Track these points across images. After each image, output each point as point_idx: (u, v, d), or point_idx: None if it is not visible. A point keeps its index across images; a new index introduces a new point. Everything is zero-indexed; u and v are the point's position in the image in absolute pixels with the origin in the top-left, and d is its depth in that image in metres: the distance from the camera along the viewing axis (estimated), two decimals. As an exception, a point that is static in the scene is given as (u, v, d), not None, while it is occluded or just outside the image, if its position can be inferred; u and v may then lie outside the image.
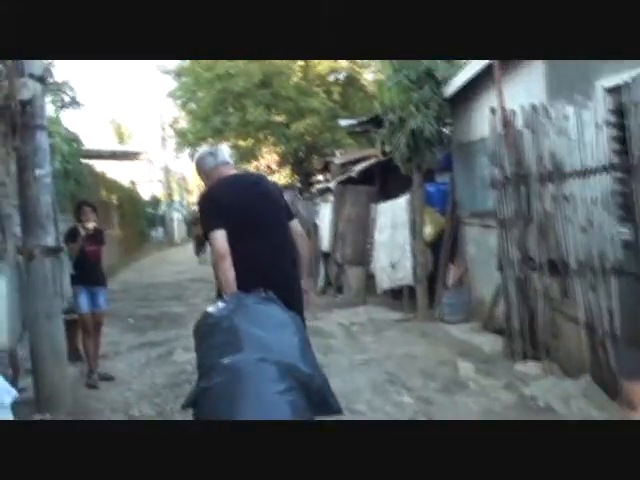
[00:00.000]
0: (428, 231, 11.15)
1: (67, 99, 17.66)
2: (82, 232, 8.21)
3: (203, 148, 5.61)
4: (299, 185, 23.01)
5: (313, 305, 5.78)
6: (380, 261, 12.49)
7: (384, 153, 14.06)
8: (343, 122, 17.00)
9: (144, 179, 47.32)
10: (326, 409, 3.72)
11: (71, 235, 8.26)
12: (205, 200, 4.84)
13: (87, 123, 59.06)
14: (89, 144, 30.36)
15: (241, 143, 24.61)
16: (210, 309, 4.01)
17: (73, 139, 16.58)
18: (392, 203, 12.25)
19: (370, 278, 13.44)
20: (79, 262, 8.13)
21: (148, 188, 46.86)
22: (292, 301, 4.46)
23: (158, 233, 44.41)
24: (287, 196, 16.90)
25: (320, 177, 23.69)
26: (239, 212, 4.62)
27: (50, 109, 15.57)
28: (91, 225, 8.32)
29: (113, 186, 26.87)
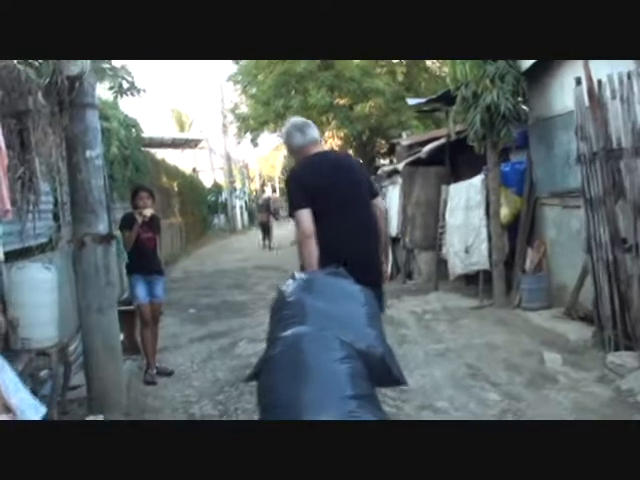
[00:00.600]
0: (504, 212, 10.54)
1: (125, 84, 17.19)
2: (138, 219, 7.82)
3: (291, 121, 5.36)
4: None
5: (386, 280, 5.88)
6: (453, 245, 11.88)
7: (454, 132, 13.57)
8: (411, 101, 16.37)
9: (206, 167, 47.15)
10: (389, 380, 3.77)
11: (127, 222, 7.93)
12: (291, 179, 4.95)
13: (148, 111, 59.04)
14: (150, 132, 30.71)
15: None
16: (282, 286, 4.08)
17: (133, 124, 16.24)
18: (465, 184, 11.64)
19: (441, 263, 12.86)
20: (135, 250, 7.81)
21: (210, 176, 46.91)
22: (372, 276, 4.63)
23: (220, 220, 44.38)
24: None
25: (385, 161, 23.16)
26: (324, 190, 4.72)
27: (108, 94, 15.34)
28: (148, 212, 7.91)
29: (174, 173, 26.65)
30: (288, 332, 3.54)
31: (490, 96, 9.52)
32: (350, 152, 25.23)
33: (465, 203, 11.43)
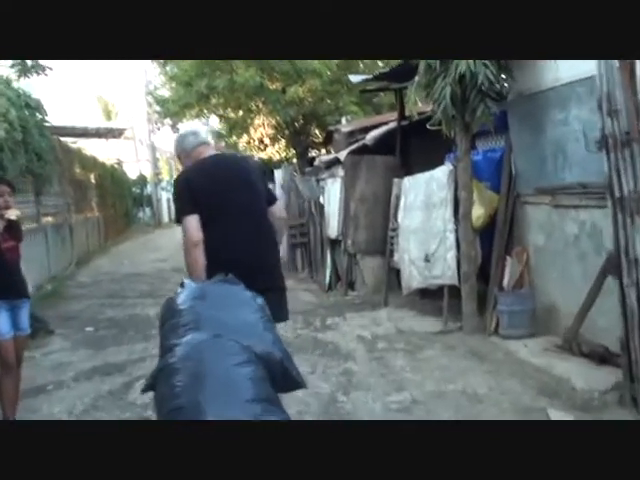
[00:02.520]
0: (478, 213, 8.35)
1: (29, 62, 14.75)
2: None
3: (184, 127, 5.46)
4: (295, 160, 20.15)
5: None
6: (408, 252, 9.61)
7: (403, 116, 11.47)
8: (354, 78, 14.02)
9: (132, 158, 44.90)
10: (290, 384, 3.60)
11: None
12: (179, 183, 4.84)
13: (73, 99, 56.13)
14: (75, 121, 28.71)
15: (231, 115, 21.78)
16: (171, 296, 3.88)
17: (34, 106, 13.81)
18: (425, 177, 9.38)
19: (392, 272, 10.65)
20: None
21: (136, 167, 44.93)
22: (268, 282, 4.52)
23: (145, 214, 42.94)
24: (282, 173, 14.06)
25: (322, 150, 20.97)
26: (213, 195, 4.65)
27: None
28: (13, 213, 5.93)
29: (91, 163, 24.37)
30: (184, 339, 3.41)
31: (464, 62, 7.32)
32: (282, 142, 23.13)
33: (425, 200, 9.20)
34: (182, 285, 4.01)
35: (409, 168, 11.10)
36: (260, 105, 20.35)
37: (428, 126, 8.98)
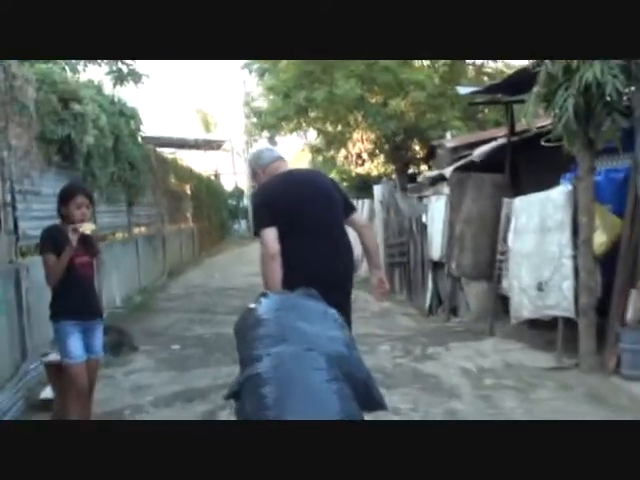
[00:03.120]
0: (600, 240, 7.54)
1: (125, 69, 14.54)
2: (72, 238, 5.27)
3: (256, 148, 5.77)
4: (394, 176, 19.43)
5: (387, 294, 5.68)
6: (519, 279, 8.85)
7: (513, 132, 10.73)
8: (462, 89, 13.27)
9: (229, 170, 45.98)
10: (372, 404, 3.61)
11: (53, 241, 5.37)
12: (257, 197, 4.97)
13: (174, 112, 56.97)
14: (175, 132, 28.90)
15: (329, 129, 21.26)
16: (252, 305, 3.86)
17: (128, 115, 13.58)
18: (539, 197, 8.59)
19: (499, 299, 9.88)
20: (66, 284, 5.33)
21: (233, 180, 45.86)
22: (341, 301, 4.54)
23: (241, 226, 43.21)
24: (382, 188, 13.42)
25: (422, 167, 20.25)
26: (291, 210, 4.66)
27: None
28: (88, 227, 5.42)
29: (187, 174, 24.28)
30: (274, 349, 3.40)
31: (591, 71, 6.57)
32: (380, 157, 22.52)
33: (539, 223, 8.42)
34: (263, 295, 3.98)
35: (519, 188, 10.31)
36: (359, 119, 19.80)
37: (543, 142, 8.26)
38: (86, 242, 5.45)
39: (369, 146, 22.74)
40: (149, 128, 26.66)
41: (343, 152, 23.39)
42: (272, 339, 3.52)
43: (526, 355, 8.46)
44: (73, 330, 5.35)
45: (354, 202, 18.29)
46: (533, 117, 7.86)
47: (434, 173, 11.50)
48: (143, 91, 30.77)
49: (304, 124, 20.69)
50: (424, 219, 11.99)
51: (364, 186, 20.21)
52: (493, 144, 11.01)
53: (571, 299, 7.75)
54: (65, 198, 5.43)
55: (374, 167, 23.85)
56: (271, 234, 4.57)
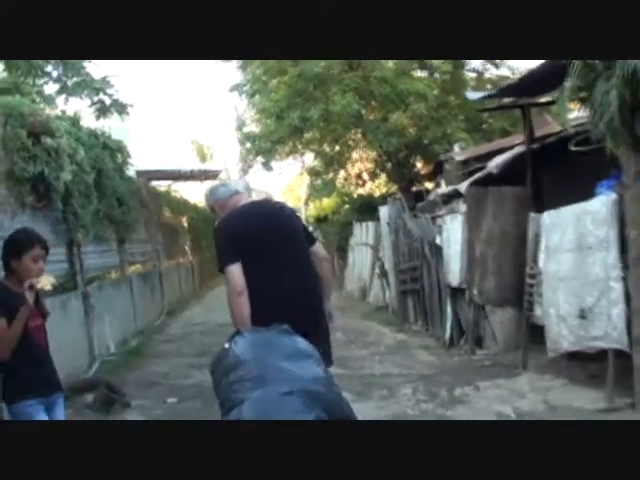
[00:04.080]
0: (656, 258, 6.44)
1: (108, 100, 13.60)
2: (29, 295, 4.36)
3: (211, 185, 5.51)
4: (399, 195, 18.27)
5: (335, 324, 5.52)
6: (556, 305, 7.64)
7: (533, 138, 9.70)
8: (472, 95, 12.19)
9: None
10: None
11: (1, 302, 4.38)
12: (219, 232, 4.79)
13: (168, 144, 56.11)
14: (167, 165, 27.92)
15: (327, 150, 20.16)
16: (227, 344, 3.85)
17: (114, 148, 12.56)
18: (574, 210, 7.41)
19: (529, 327, 8.71)
20: (21, 354, 4.38)
21: None
22: (314, 331, 4.43)
23: None
24: (389, 209, 12.21)
25: (427, 184, 19.18)
26: (254, 242, 4.60)
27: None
28: (48, 281, 4.56)
29: (182, 206, 23.24)
30: (253, 394, 3.39)
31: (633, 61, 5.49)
32: (381, 177, 21.46)
33: (576, 241, 7.27)
34: (238, 333, 3.97)
35: (542, 201, 9.30)
36: (358, 136, 18.74)
37: (572, 147, 7.19)
38: (38, 301, 4.47)
39: (369, 165, 21.72)
40: (142, 161, 25.87)
41: (342, 173, 22.36)
42: (251, 382, 3.48)
43: (569, 393, 7.31)
44: (37, 410, 4.42)
45: (358, 225, 17.36)
46: (565, 114, 6.81)
47: (447, 189, 10.37)
48: (134, 124, 30.08)
49: (300, 146, 19.56)
50: (438, 241, 10.86)
51: (367, 207, 19.13)
52: (510, 153, 9.93)
53: (622, 328, 6.58)
54: (19, 249, 4.44)
55: (376, 187, 22.81)
56: (236, 270, 4.49)
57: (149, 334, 14.11)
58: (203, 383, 9.17)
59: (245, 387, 3.48)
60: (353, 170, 22.44)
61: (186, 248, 23.93)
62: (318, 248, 5.15)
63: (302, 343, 3.91)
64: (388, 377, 8.86)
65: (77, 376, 9.44)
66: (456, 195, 10.08)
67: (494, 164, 9.83)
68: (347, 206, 20.97)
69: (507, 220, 9.47)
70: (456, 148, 14.47)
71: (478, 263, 9.54)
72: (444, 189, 10.49)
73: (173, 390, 9.06)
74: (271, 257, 4.63)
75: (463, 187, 9.66)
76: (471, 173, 11.13)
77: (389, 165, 19.78)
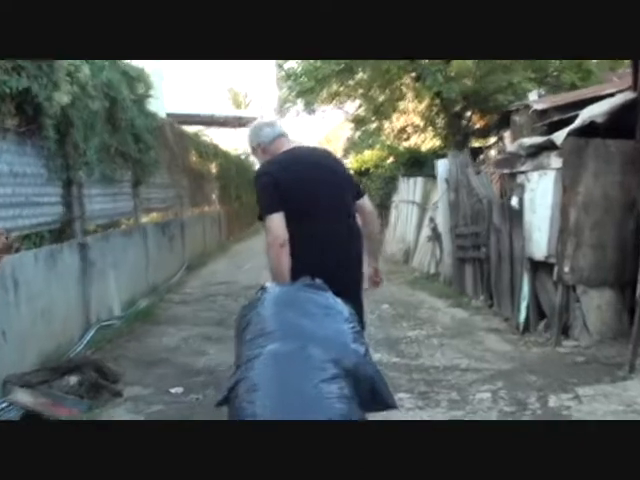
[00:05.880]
0: None
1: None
2: None
3: (256, 121, 5.25)
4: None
5: (379, 285, 5.22)
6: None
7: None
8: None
9: None
10: (377, 402, 3.37)
11: None
12: (261, 178, 4.50)
13: (205, 90, 54.39)
14: (201, 110, 28.62)
15: (376, 95, 18.25)
16: (251, 300, 3.84)
17: (134, 76, 10.89)
18: None
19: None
20: None
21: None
22: (350, 287, 4.43)
23: None
24: (449, 163, 10.15)
25: (489, 140, 17.25)
26: (298, 190, 4.41)
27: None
28: None
29: (212, 151, 21.48)
30: (266, 348, 3.25)
31: None
32: (430, 131, 19.58)
33: None
34: (263, 288, 3.84)
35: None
36: (408, 82, 16.81)
37: None
38: None
39: (415, 118, 19.83)
40: (175, 105, 24.38)
41: (388, 125, 20.49)
42: (267, 337, 3.35)
43: None
44: None
45: (404, 180, 15.47)
46: None
47: (536, 139, 8.37)
48: (169, 67, 28.73)
49: (347, 89, 17.60)
50: (514, 202, 8.92)
51: (415, 162, 17.20)
52: (615, 100, 7.96)
53: None
54: None
55: (421, 142, 20.89)
56: (278, 220, 4.29)
57: (163, 293, 12.35)
58: (218, 367, 7.48)
59: (258, 343, 3.34)
60: (397, 122, 20.58)
61: (213, 197, 22.30)
62: (365, 202, 4.94)
63: (330, 299, 3.76)
64: (454, 371, 7.04)
65: (67, 347, 7.82)
66: (547, 147, 8.10)
67: (594, 112, 7.86)
68: (391, 159, 19.01)
69: (612, 181, 7.55)
70: (532, 96, 12.48)
71: (572, 233, 7.60)
72: (532, 139, 8.49)
73: (180, 374, 7.33)
74: (315, 209, 4.43)
75: (560, 137, 7.67)
76: (551, 126, 9.18)
77: (442, 117, 17.87)
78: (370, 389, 3.28)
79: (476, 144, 17.47)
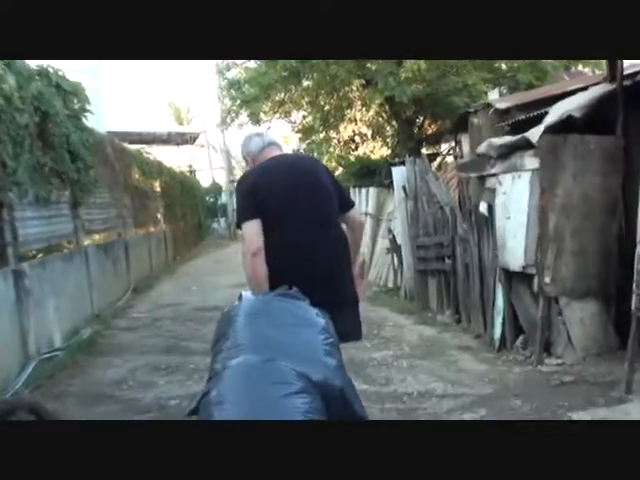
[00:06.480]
0: None
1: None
2: None
3: (247, 132, 5.22)
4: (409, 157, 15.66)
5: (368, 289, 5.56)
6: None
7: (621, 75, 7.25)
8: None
9: (205, 166, 43.08)
10: (349, 416, 3.27)
11: None
12: (241, 186, 4.54)
13: (145, 106, 53.60)
14: (145, 127, 28.02)
15: (323, 103, 17.58)
16: (227, 309, 3.76)
17: (69, 91, 10.02)
18: None
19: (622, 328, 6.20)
20: None
21: (210, 176, 43.28)
22: (335, 296, 4.23)
23: (220, 225, 40.43)
24: (405, 172, 11.36)
25: (439, 146, 16.68)
26: (278, 198, 4.33)
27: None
28: None
29: (156, 169, 20.62)
30: (233, 361, 3.18)
31: None
32: (378, 140, 19.01)
33: None
34: (240, 298, 3.80)
35: (632, 155, 6.85)
36: (361, 89, 16.17)
37: None
38: None
39: (364, 127, 19.27)
40: (115, 123, 23.56)
41: (333, 135, 19.89)
42: (237, 349, 3.29)
43: None
44: None
45: (355, 192, 14.76)
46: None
47: (509, 139, 7.66)
48: (107, 85, 27.98)
49: (295, 95, 16.86)
50: (482, 209, 8.23)
51: (367, 171, 16.54)
52: (591, 93, 7.33)
53: None
54: None
55: (370, 151, 20.32)
56: (253, 227, 4.22)
57: (107, 319, 11.44)
58: (168, 402, 6.70)
59: (227, 355, 3.26)
60: (345, 132, 19.99)
61: (158, 216, 21.34)
62: (353, 212, 4.83)
63: (305, 308, 3.65)
64: (430, 398, 6.29)
65: (2, 385, 7.01)
66: (520, 147, 7.42)
67: (568, 106, 7.21)
68: (340, 170, 18.39)
69: (592, 181, 6.90)
70: (492, 95, 11.89)
71: (552, 240, 6.90)
72: (503, 138, 7.79)
73: (127, 411, 6.51)
74: (295, 216, 4.32)
75: (535, 134, 6.98)
76: (515, 126, 8.56)
77: (393, 124, 17.26)
78: (342, 402, 3.22)
79: (428, 151, 16.93)
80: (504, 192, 7.71)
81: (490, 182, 8.18)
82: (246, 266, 4.27)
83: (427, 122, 17.66)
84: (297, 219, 4.32)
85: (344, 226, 4.78)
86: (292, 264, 4.21)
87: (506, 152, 7.68)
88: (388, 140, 19.24)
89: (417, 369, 7.34)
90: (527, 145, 7.20)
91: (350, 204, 4.81)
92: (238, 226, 4.38)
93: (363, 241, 5.18)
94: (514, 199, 7.49)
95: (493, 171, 8.02)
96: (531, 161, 7.15)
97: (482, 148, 8.14)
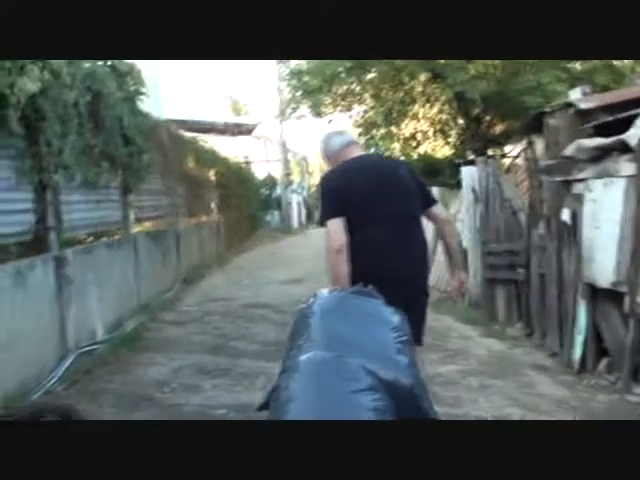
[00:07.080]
0: None
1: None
2: None
3: (328, 131, 5.22)
4: (473, 157, 14.99)
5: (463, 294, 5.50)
6: None
7: None
8: None
9: (260, 158, 42.46)
10: (419, 416, 3.25)
11: None
12: (325, 183, 4.69)
13: (203, 98, 53.81)
14: (202, 117, 28.12)
15: (387, 96, 17.00)
16: (301, 306, 3.79)
17: (124, 71, 9.67)
18: None
19: None
20: None
21: (265, 168, 42.61)
22: (411, 295, 4.37)
23: (274, 218, 39.78)
24: (476, 173, 10.74)
25: (506, 149, 16.00)
26: (360, 197, 4.44)
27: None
28: None
29: (211, 158, 20.25)
30: (304, 357, 3.22)
31: None
32: (439, 138, 18.40)
33: None
34: (315, 295, 3.80)
35: None
36: (427, 84, 15.55)
37: None
38: None
39: (426, 124, 18.63)
40: (173, 111, 23.36)
41: (395, 131, 19.28)
42: (308, 345, 3.32)
43: None
44: None
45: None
46: None
47: (601, 141, 6.96)
48: (167, 74, 27.85)
49: (358, 87, 16.29)
50: (565, 216, 7.56)
51: (430, 171, 15.93)
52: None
53: None
54: None
55: (431, 149, 19.67)
56: (337, 225, 4.34)
57: (154, 311, 11.02)
58: (214, 411, 6.29)
59: (298, 351, 3.29)
60: (406, 129, 19.37)
61: (212, 206, 21.03)
62: (438, 209, 4.87)
63: (379, 306, 3.63)
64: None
65: (37, 381, 6.63)
66: (611, 150, 6.73)
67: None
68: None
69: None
70: (573, 94, 11.18)
71: (650, 254, 6.25)
72: (595, 140, 7.09)
73: (166, 417, 5.98)
74: (377, 216, 4.40)
75: (634, 137, 6.29)
76: (598, 128, 7.85)
77: (458, 122, 16.60)
78: (410, 401, 3.20)
79: (496, 151, 16.25)
80: (593, 199, 7.01)
81: (577, 188, 7.48)
82: (329, 263, 4.43)
83: (496, 121, 16.95)
84: (378, 218, 4.42)
85: (431, 224, 5.07)
86: (373, 262, 4.34)
87: (598, 155, 6.99)
88: (450, 139, 18.59)
89: (489, 390, 6.71)
90: (623, 149, 6.52)
91: (433, 201, 4.86)
92: (322, 223, 4.52)
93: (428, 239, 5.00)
94: (605, 208, 6.79)
95: (581, 176, 7.32)
96: (628, 166, 6.46)
97: (570, 150, 7.45)
